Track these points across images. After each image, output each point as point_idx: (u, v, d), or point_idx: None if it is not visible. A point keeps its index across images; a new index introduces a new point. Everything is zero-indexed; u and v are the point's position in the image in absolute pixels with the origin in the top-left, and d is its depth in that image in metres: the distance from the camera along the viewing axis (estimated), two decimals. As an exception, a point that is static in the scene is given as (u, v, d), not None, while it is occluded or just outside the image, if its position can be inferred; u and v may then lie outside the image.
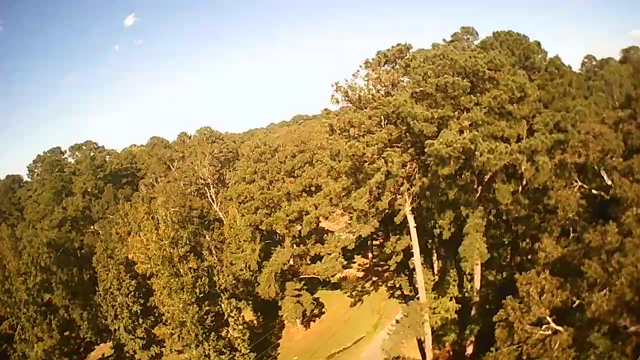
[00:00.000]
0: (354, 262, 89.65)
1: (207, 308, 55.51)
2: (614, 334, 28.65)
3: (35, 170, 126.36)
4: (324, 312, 76.61)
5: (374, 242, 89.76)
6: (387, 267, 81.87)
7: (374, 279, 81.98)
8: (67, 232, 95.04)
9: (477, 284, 52.80)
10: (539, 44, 54.87)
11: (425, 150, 39.83)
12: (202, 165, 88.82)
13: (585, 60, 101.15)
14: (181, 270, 53.27)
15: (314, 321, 75.08)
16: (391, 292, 77.38)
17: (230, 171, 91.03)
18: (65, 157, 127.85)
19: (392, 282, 78.30)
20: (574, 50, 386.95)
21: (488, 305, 50.39)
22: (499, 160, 36.96)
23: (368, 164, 44.74)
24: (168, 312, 53.94)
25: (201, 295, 54.74)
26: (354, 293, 78.14)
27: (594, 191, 34.64)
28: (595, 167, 32.76)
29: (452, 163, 40.56)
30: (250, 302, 73.03)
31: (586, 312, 28.10)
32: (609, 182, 31.79)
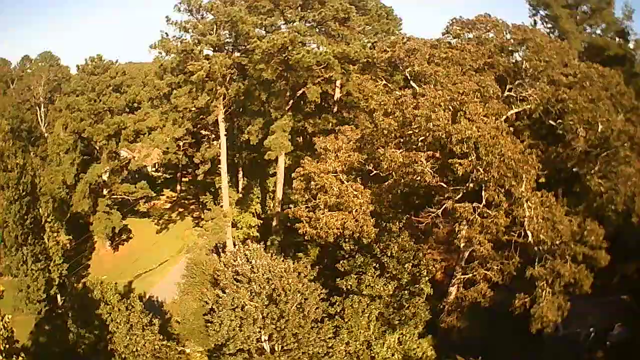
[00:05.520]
0: (163, 195, 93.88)
1: (27, 208, 53.65)
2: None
3: None
4: (131, 238, 79.48)
5: (183, 179, 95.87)
6: (193, 200, 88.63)
7: (180, 210, 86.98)
8: None
9: (279, 193, 58.28)
10: (373, -9, 62.52)
11: (249, 46, 46.31)
12: (38, 84, 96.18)
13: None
14: (9, 165, 52.36)
15: (122, 244, 78.23)
16: (196, 222, 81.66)
17: (60, 95, 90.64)
18: None
19: (197, 213, 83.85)
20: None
21: (289, 223, 53.03)
22: (313, 58, 44.63)
23: (193, 61, 48.69)
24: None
25: (23, 194, 53.31)
26: (160, 221, 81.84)
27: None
28: (400, 67, 39.07)
29: (271, 65, 47.05)
30: (64, 223, 73.46)
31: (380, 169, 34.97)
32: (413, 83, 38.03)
